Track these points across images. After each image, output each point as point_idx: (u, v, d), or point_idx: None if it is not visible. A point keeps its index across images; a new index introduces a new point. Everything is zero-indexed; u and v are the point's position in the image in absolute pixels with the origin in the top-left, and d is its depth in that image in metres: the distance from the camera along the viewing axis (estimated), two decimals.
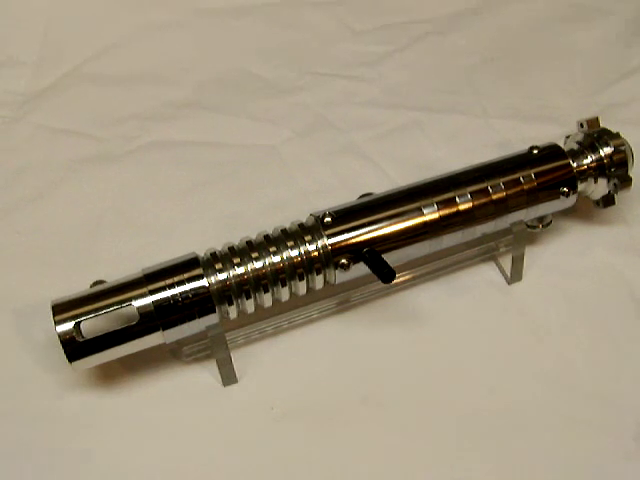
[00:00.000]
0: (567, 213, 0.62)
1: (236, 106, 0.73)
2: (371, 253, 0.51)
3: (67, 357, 0.47)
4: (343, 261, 0.51)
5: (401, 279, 0.57)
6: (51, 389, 0.53)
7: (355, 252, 0.51)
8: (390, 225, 0.52)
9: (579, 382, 0.53)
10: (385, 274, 0.50)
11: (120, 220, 0.64)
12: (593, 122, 0.59)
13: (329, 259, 0.51)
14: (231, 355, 0.52)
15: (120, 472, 0.49)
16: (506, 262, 0.58)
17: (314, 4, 0.82)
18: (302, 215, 0.54)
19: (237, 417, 0.52)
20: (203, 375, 0.53)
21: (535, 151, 0.57)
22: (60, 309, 0.48)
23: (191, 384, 0.53)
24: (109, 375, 0.53)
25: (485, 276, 0.59)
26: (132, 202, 0.65)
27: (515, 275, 0.58)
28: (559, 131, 0.63)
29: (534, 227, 0.58)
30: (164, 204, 0.65)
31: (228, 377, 0.53)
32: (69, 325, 0.47)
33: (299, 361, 0.54)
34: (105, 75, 0.76)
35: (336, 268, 0.51)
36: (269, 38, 0.79)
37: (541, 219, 0.58)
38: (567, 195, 0.56)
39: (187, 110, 0.73)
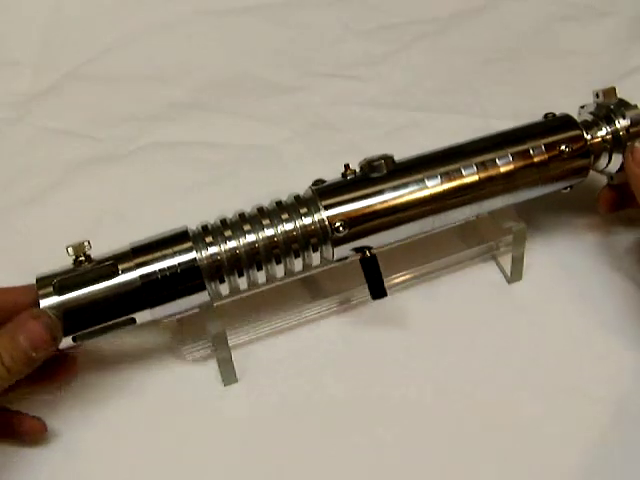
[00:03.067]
0: (567, 214, 0.62)
1: (236, 106, 0.73)
2: (371, 263, 0.50)
3: None
4: (338, 224, 0.49)
5: (401, 279, 0.57)
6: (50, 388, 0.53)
7: (360, 250, 0.50)
8: (393, 199, 0.50)
9: (579, 382, 0.53)
10: (376, 291, 0.50)
11: (120, 220, 0.64)
12: (609, 92, 0.56)
13: (326, 231, 0.49)
14: (232, 354, 0.52)
15: (119, 472, 0.49)
16: (506, 262, 0.58)
17: (314, 4, 0.82)
18: None
19: (237, 416, 0.51)
20: (203, 374, 0.53)
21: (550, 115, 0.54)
22: (45, 283, 0.47)
23: (191, 383, 0.53)
24: (107, 374, 0.53)
25: (485, 276, 0.59)
26: (132, 202, 0.65)
27: (515, 275, 0.58)
28: None
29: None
30: (164, 204, 0.65)
31: (228, 376, 0.53)
32: (53, 299, 0.46)
33: (299, 361, 0.54)
34: (105, 75, 0.76)
35: (332, 233, 0.49)
36: (269, 38, 0.79)
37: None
38: (578, 168, 0.54)
39: (187, 110, 0.73)
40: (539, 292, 0.58)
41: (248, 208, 0.64)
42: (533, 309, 0.57)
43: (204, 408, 0.52)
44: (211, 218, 0.63)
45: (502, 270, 0.59)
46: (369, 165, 0.52)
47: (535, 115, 0.71)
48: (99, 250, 0.61)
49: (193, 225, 0.62)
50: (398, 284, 0.58)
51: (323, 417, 0.51)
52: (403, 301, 0.58)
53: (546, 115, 0.55)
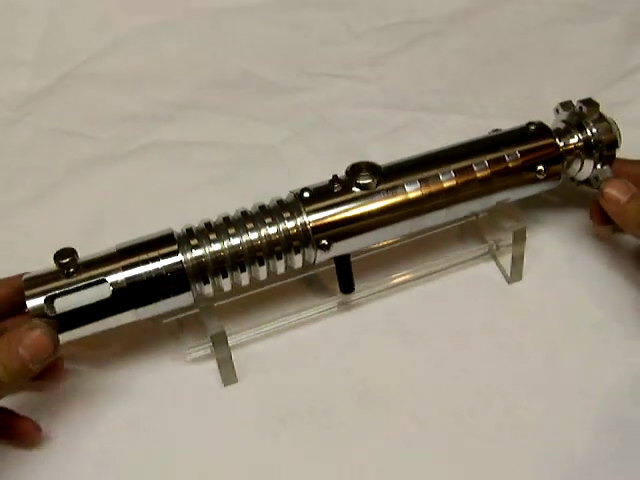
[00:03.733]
0: (566, 214, 0.62)
1: (236, 106, 0.73)
2: (344, 261, 0.52)
3: None
4: (323, 242, 0.50)
5: (401, 279, 0.57)
6: (47, 391, 0.52)
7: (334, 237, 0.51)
8: (377, 213, 0.52)
9: (579, 381, 0.53)
10: (346, 286, 0.53)
11: (120, 220, 0.64)
12: (591, 105, 0.58)
13: (308, 237, 0.50)
14: (232, 354, 0.52)
15: (119, 472, 0.49)
16: (506, 261, 0.58)
17: (314, 4, 0.82)
18: None
19: (237, 417, 0.51)
20: (203, 374, 0.53)
21: (532, 127, 0.56)
22: (31, 284, 0.47)
23: (191, 383, 0.53)
24: (107, 375, 0.53)
25: (485, 276, 0.59)
26: (132, 202, 0.65)
27: (515, 274, 0.58)
28: None
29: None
30: (164, 204, 0.65)
31: (228, 377, 0.53)
32: (40, 300, 0.46)
33: (299, 361, 0.54)
34: (105, 75, 0.76)
35: (316, 247, 0.50)
36: (269, 38, 0.79)
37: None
38: (551, 175, 0.56)
39: (187, 110, 0.73)
40: (539, 292, 0.58)
41: (247, 208, 0.64)
42: (533, 309, 0.57)
43: (204, 408, 0.52)
44: (211, 218, 0.63)
45: (502, 270, 0.59)
46: (354, 176, 0.53)
47: (534, 115, 0.71)
48: (99, 250, 0.61)
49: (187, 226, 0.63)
50: (398, 284, 0.58)
51: (323, 417, 0.51)
52: (403, 301, 0.58)
53: (528, 124, 0.58)
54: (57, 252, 0.48)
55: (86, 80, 0.76)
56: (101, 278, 0.47)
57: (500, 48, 0.78)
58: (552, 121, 0.60)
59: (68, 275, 0.47)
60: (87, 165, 0.68)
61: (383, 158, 0.67)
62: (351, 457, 0.50)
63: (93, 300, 0.47)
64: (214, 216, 0.63)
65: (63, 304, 0.47)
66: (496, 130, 0.58)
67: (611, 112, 0.69)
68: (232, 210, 0.63)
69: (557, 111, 0.59)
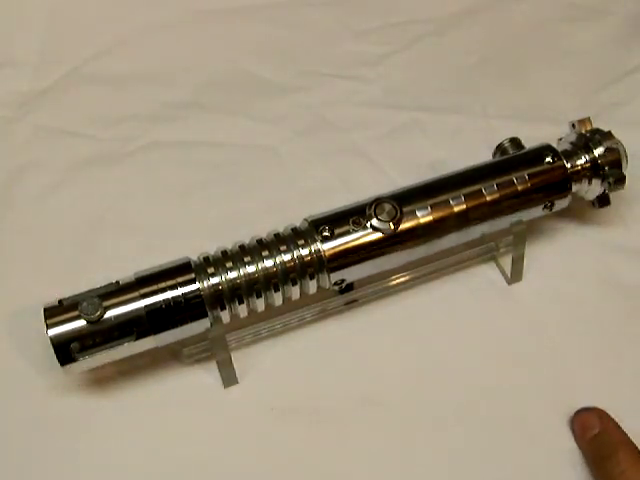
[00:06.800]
0: (566, 214, 0.62)
1: (236, 106, 0.73)
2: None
3: (59, 361, 0.47)
4: (339, 281, 0.52)
5: (401, 279, 0.57)
6: (47, 392, 0.53)
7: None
8: (394, 252, 0.53)
9: (578, 382, 0.53)
10: (343, 288, 0.54)
11: (120, 221, 0.64)
12: (585, 122, 0.59)
13: (322, 264, 0.51)
14: (232, 356, 0.52)
15: (120, 474, 0.49)
16: (506, 262, 0.58)
17: (314, 4, 0.82)
18: (301, 215, 0.54)
19: (237, 418, 0.52)
20: (203, 376, 0.53)
21: (548, 159, 0.56)
22: (52, 312, 0.48)
23: (191, 385, 0.53)
24: (108, 377, 0.53)
25: (485, 276, 0.59)
26: (132, 203, 0.65)
27: (515, 275, 0.58)
28: (558, 131, 0.63)
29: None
30: (164, 204, 0.65)
31: (229, 378, 0.53)
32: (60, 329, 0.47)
33: (299, 362, 0.54)
34: (105, 75, 0.76)
35: (331, 272, 0.51)
36: (269, 38, 0.79)
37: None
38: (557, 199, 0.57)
39: (187, 110, 0.73)
40: (539, 293, 0.58)
41: (247, 208, 0.64)
42: (533, 310, 0.57)
43: (204, 410, 0.52)
44: (210, 218, 0.63)
45: (502, 271, 0.59)
46: (375, 213, 0.53)
47: (535, 115, 0.71)
48: (99, 250, 0.61)
49: (191, 226, 0.63)
50: (398, 285, 0.58)
51: (323, 418, 0.51)
52: (403, 301, 0.58)
53: (511, 140, 0.59)
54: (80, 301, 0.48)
55: (86, 80, 0.75)
56: (128, 330, 0.48)
57: (500, 48, 0.78)
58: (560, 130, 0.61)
59: (94, 322, 0.48)
60: (87, 165, 0.68)
61: (383, 158, 0.68)
62: (352, 458, 0.50)
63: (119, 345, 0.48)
64: (213, 217, 0.63)
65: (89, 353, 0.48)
66: (512, 140, 0.59)
67: (611, 112, 0.70)
68: (231, 210, 0.64)
69: (573, 126, 0.60)
